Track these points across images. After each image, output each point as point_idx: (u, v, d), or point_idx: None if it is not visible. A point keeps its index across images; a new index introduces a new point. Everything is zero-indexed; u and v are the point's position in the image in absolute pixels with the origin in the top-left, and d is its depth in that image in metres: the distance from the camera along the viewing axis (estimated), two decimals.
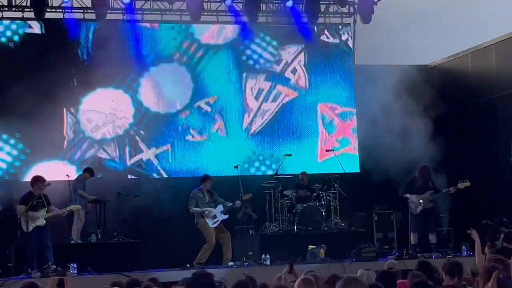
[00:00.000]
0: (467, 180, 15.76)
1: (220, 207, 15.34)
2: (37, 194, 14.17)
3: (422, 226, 16.13)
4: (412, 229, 16.21)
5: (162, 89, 18.51)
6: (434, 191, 16.08)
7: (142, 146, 18.30)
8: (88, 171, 16.52)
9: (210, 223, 15.21)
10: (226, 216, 15.44)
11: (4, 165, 17.41)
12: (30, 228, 13.96)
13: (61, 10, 17.83)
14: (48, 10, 17.48)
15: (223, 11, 18.80)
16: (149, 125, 18.38)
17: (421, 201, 15.99)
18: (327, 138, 19.33)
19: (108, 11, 17.76)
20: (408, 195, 16.10)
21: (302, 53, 19.35)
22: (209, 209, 15.26)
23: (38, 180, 14.32)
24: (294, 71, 19.31)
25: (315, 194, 17.13)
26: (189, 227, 16.05)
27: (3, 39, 17.59)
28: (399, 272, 9.11)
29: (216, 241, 15.26)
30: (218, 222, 15.31)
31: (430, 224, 16.19)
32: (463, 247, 15.43)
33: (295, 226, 16.63)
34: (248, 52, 19.13)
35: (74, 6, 17.82)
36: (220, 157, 18.48)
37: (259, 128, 19.02)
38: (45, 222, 14.15)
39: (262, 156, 18.98)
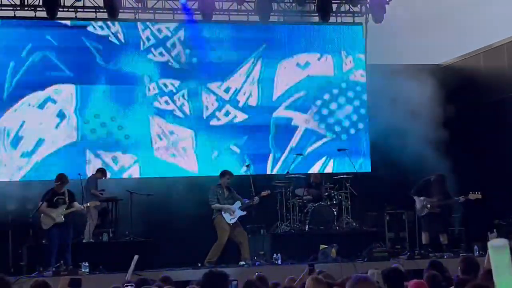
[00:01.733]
0: (479, 193, 15.76)
1: (238, 203, 15.46)
2: (59, 191, 14.30)
3: (431, 226, 16.12)
4: (423, 229, 16.21)
5: None
6: (445, 197, 16.05)
7: None
8: (101, 171, 16.56)
9: (228, 218, 15.34)
10: (244, 213, 15.53)
11: None
12: (48, 226, 14.08)
13: (73, 10, 17.87)
14: (60, 9, 17.51)
15: (235, 10, 18.79)
16: None
17: (428, 205, 15.99)
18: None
19: (120, 11, 17.77)
20: (415, 197, 16.11)
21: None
22: (229, 206, 15.35)
23: (60, 179, 14.49)
24: None
25: (326, 194, 17.12)
26: (201, 226, 16.07)
27: None
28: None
29: (231, 240, 15.33)
30: (236, 218, 15.42)
31: (439, 225, 16.19)
32: (475, 247, 15.40)
33: (307, 226, 16.62)
34: None
35: (86, 5, 17.87)
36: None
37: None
38: (63, 219, 14.22)
39: None
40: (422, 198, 16.07)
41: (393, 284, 7.02)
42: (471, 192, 15.87)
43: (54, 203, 14.28)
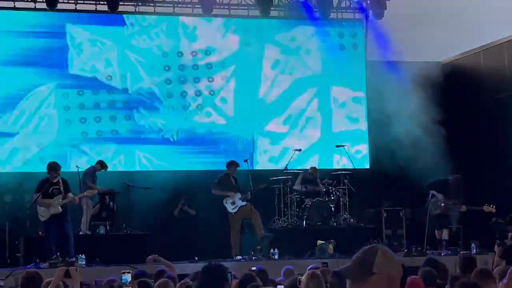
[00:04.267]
0: (493, 206, 15.70)
1: (239, 194, 15.78)
2: (54, 181, 14.10)
3: (442, 224, 16.09)
4: (436, 228, 16.10)
5: None
6: (460, 201, 15.97)
7: None
8: (100, 163, 16.43)
9: (230, 208, 15.72)
10: (244, 203, 15.77)
11: None
12: (46, 217, 13.92)
13: (73, 1, 17.81)
14: (60, 1, 17.45)
15: (236, 4, 18.75)
16: None
17: (442, 204, 15.94)
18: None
19: (121, 3, 17.72)
20: (434, 192, 16.02)
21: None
22: (230, 193, 15.73)
23: (53, 168, 14.27)
24: None
25: (324, 190, 17.09)
26: (198, 220, 16.05)
27: None
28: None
29: (232, 233, 15.70)
30: (237, 208, 15.75)
31: (444, 221, 16.17)
32: (473, 245, 15.40)
33: (304, 221, 16.60)
34: None
35: None
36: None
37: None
38: (61, 210, 14.02)
39: None
40: (438, 197, 15.98)
41: None
42: (486, 204, 15.81)
43: (49, 194, 14.07)
